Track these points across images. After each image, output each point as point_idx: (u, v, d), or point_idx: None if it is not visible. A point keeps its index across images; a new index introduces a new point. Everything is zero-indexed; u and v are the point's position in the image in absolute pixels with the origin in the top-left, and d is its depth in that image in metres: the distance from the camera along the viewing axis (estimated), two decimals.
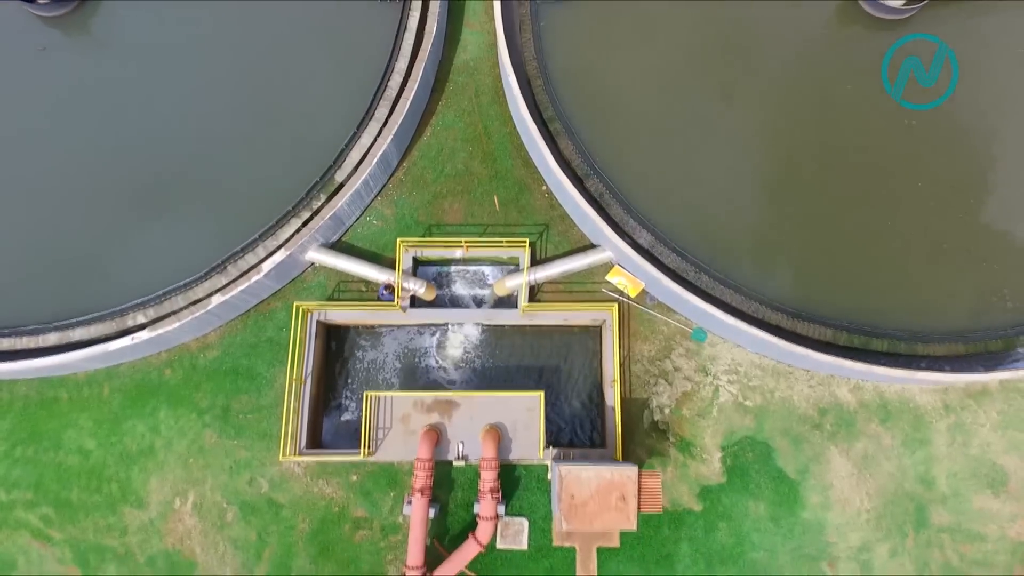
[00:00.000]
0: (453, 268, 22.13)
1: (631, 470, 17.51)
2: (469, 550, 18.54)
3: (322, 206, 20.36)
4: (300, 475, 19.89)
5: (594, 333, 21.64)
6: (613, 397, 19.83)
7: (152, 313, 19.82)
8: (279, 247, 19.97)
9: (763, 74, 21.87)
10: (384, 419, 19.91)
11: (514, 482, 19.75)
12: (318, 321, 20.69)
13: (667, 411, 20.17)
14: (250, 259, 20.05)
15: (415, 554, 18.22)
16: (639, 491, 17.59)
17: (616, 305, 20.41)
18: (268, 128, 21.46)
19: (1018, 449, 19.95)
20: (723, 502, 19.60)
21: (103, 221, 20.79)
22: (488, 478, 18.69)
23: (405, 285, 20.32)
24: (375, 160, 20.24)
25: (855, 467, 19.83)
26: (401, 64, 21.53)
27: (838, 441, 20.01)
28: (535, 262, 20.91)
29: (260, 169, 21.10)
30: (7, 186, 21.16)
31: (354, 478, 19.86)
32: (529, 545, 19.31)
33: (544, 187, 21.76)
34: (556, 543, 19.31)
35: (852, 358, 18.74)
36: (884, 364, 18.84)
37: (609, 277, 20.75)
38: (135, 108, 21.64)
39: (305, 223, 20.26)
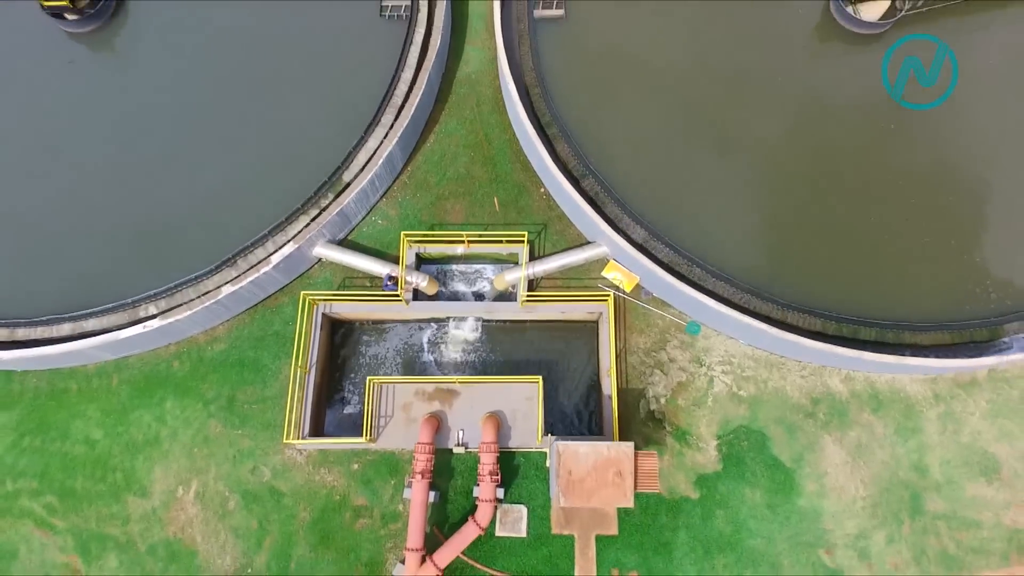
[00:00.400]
0: (454, 266, 22.88)
1: (627, 446, 17.85)
2: (468, 533, 18.68)
3: (330, 204, 21.30)
4: (302, 464, 20.17)
5: (591, 328, 22.24)
6: (610, 387, 20.29)
7: (163, 304, 20.52)
8: (288, 241, 20.82)
9: (752, 78, 23.15)
10: (386, 407, 20.33)
11: (513, 470, 20.01)
12: (323, 315, 21.32)
13: (663, 401, 20.58)
14: (259, 253, 20.88)
15: (415, 536, 18.41)
16: (635, 470, 17.88)
17: (611, 297, 21.06)
18: (281, 132, 22.66)
19: (1008, 437, 20.27)
20: (720, 490, 19.81)
21: (127, 220, 21.82)
22: (487, 460, 18.99)
23: (408, 278, 21.05)
24: (381, 161, 21.29)
25: (849, 455, 20.12)
26: (407, 74, 22.84)
27: (831, 430, 20.35)
28: (533, 258, 21.69)
29: (272, 170, 22.18)
30: (40, 186, 22.30)
31: (355, 467, 20.14)
32: (528, 532, 19.43)
33: (542, 189, 22.73)
34: (555, 531, 19.45)
35: (841, 345, 19.35)
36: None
37: (605, 273, 21.49)
38: (156, 114, 22.93)
39: (313, 219, 21.17)
